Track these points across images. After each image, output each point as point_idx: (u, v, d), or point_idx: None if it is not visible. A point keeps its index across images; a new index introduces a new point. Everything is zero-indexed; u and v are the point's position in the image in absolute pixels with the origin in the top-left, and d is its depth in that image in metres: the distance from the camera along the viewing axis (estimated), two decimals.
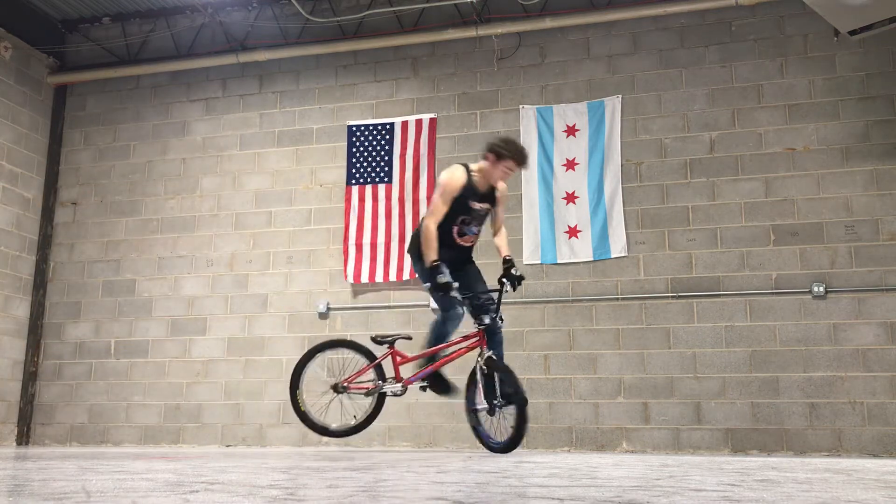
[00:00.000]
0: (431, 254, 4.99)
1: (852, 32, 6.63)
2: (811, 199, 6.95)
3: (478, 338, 5.19)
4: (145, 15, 8.96)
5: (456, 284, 5.01)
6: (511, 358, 7.26)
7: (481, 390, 5.07)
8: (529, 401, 7.14)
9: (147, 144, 8.83)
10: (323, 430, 5.69)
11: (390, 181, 7.91)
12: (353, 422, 5.67)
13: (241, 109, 8.60)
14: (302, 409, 5.61)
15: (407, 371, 5.58)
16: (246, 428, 7.83)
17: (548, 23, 7.75)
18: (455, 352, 5.38)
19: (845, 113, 7.02)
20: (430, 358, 5.46)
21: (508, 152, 5.08)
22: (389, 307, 7.70)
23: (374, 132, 8.09)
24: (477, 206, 5.23)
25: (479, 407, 5.14)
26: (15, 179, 8.54)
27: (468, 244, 5.31)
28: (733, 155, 7.20)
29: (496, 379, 5.00)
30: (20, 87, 8.70)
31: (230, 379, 7.96)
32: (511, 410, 4.95)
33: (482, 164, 5.28)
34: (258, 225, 8.26)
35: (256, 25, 8.65)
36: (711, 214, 7.14)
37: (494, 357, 5.06)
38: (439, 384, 5.49)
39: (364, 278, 7.77)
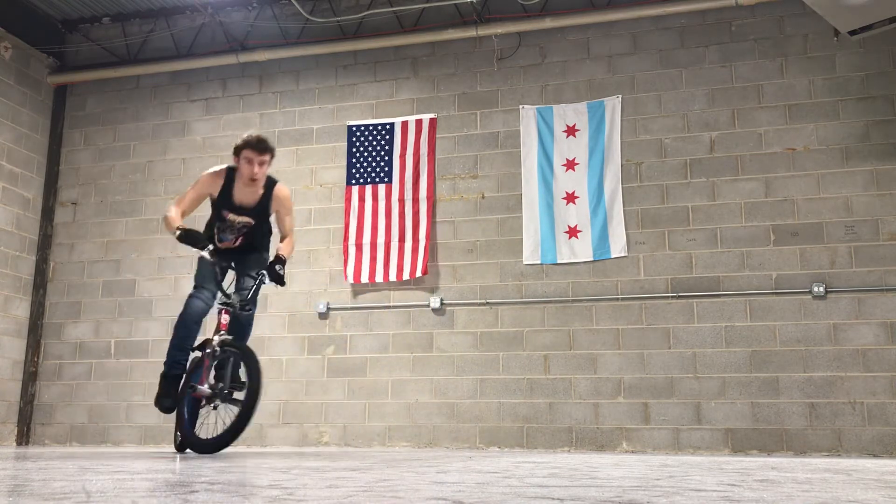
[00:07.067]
0: (173, 223, 4.80)
1: (852, 32, 6.63)
2: (811, 199, 6.95)
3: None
4: (145, 15, 8.96)
5: (210, 247, 4.82)
6: (511, 358, 7.28)
7: (207, 374, 4.81)
8: (526, 401, 7.20)
9: (147, 144, 8.83)
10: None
11: (390, 181, 7.91)
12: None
13: (241, 109, 8.60)
14: None
15: None
16: (246, 428, 7.82)
17: (548, 23, 7.75)
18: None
19: (845, 113, 7.02)
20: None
21: (241, 143, 4.84)
22: (389, 307, 7.70)
23: (374, 132, 8.09)
24: (231, 217, 5.00)
25: (203, 389, 4.79)
26: (15, 179, 8.54)
27: (231, 246, 5.12)
28: (733, 155, 7.20)
29: (230, 364, 4.82)
30: (20, 87, 8.70)
31: None
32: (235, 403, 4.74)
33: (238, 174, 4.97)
34: None
35: (256, 25, 8.65)
36: (711, 214, 7.14)
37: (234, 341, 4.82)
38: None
39: (364, 278, 7.77)
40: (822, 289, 6.72)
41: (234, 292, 5.03)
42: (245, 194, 4.99)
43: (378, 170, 7.97)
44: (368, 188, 7.95)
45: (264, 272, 4.94)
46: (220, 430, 5.05)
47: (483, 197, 7.72)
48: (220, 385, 4.78)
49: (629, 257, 7.22)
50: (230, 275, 5.23)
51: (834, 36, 7.07)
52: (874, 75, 7.01)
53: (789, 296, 6.81)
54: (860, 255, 6.75)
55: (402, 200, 7.84)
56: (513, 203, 7.61)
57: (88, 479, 2.13)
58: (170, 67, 8.80)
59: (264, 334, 7.98)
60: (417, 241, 7.69)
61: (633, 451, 6.74)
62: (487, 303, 7.44)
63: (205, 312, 4.96)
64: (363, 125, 8.13)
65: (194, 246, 4.80)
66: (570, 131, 7.60)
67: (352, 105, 8.29)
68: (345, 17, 8.27)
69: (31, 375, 8.49)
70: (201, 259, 4.90)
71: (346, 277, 7.83)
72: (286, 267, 4.99)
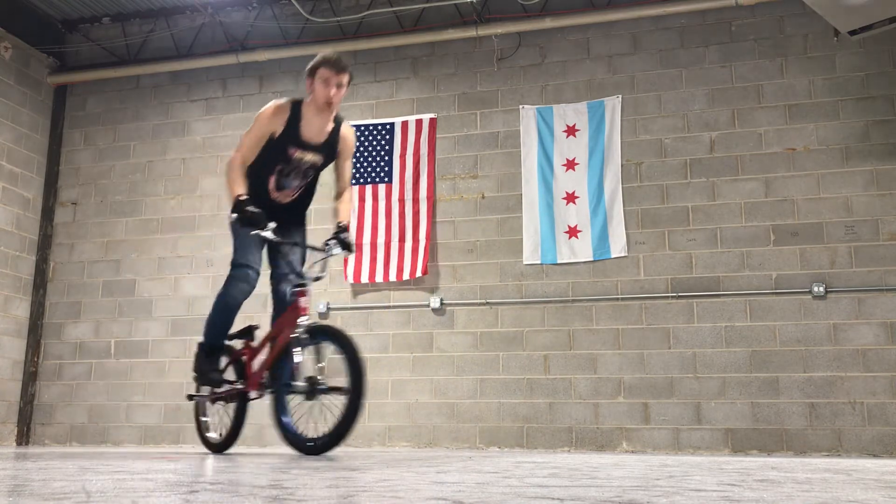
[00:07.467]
0: (237, 188, 4.23)
1: (852, 32, 6.63)
2: (811, 199, 6.95)
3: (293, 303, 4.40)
4: (145, 15, 8.96)
5: (272, 225, 4.25)
6: (511, 358, 7.28)
7: (296, 365, 4.25)
8: (526, 401, 7.20)
9: (147, 144, 8.83)
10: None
11: (390, 181, 7.91)
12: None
13: (241, 109, 8.60)
14: None
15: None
16: (246, 428, 7.80)
17: (548, 23, 7.75)
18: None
19: (845, 113, 7.02)
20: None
21: (318, 61, 4.32)
22: (389, 307, 7.70)
23: (374, 132, 8.09)
24: (298, 154, 4.42)
25: (296, 384, 4.24)
26: (15, 179, 8.54)
27: (286, 200, 4.56)
28: (733, 155, 7.20)
29: (321, 352, 4.25)
30: (20, 87, 8.70)
31: None
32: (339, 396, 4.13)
33: (308, 99, 4.42)
34: None
35: (256, 25, 8.65)
36: (711, 214, 7.14)
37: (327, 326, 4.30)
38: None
39: (364, 278, 7.77)
40: (822, 289, 6.72)
41: (298, 270, 4.53)
42: (314, 127, 4.43)
43: (378, 170, 7.97)
44: (368, 188, 7.95)
45: (333, 241, 4.45)
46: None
47: (483, 197, 7.72)
48: (317, 377, 4.19)
49: (629, 257, 7.22)
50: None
51: (834, 36, 7.07)
52: (874, 75, 7.01)
53: (789, 296, 6.81)
54: (860, 255, 6.75)
55: (402, 200, 7.84)
56: (513, 203, 7.61)
57: (88, 479, 2.13)
58: (170, 67, 8.80)
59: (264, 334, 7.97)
60: (417, 241, 7.69)
61: (633, 451, 6.74)
62: (487, 303, 7.44)
63: (248, 295, 4.48)
64: (363, 125, 8.13)
65: (255, 227, 4.23)
66: (570, 131, 7.60)
67: (352, 105, 8.28)
68: (345, 17, 8.27)
69: (31, 375, 8.49)
70: (242, 229, 4.31)
71: (346, 277, 7.83)
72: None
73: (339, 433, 4.04)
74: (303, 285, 4.41)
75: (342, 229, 4.50)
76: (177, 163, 8.69)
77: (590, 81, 7.69)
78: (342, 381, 4.10)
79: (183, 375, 8.11)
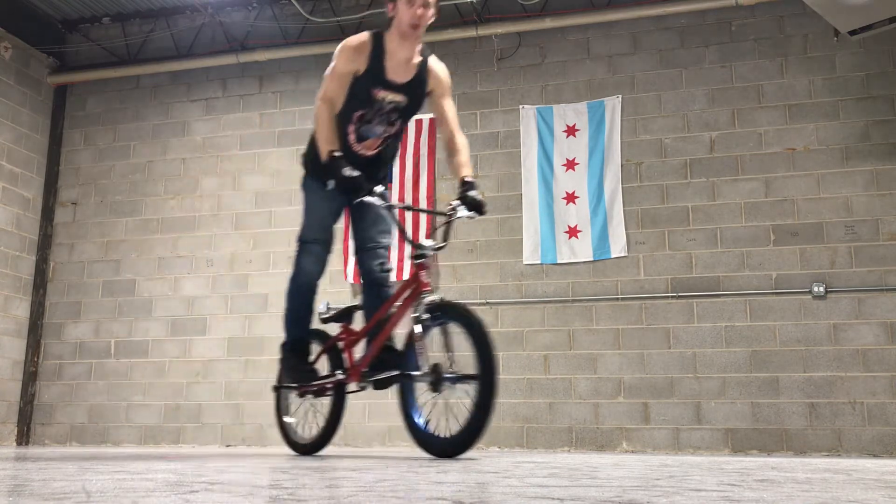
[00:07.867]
0: (329, 143, 3.67)
1: (852, 32, 6.63)
2: (811, 199, 6.95)
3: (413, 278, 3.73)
4: (145, 15, 8.96)
5: (379, 189, 3.74)
6: (511, 358, 7.28)
7: (420, 351, 3.65)
8: (526, 401, 7.20)
9: (147, 144, 8.83)
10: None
11: (390, 181, 7.88)
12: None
13: (241, 109, 8.60)
14: None
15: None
16: (246, 428, 7.83)
17: (548, 23, 7.75)
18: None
19: (845, 113, 7.02)
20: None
21: None
22: None
23: None
24: (381, 94, 3.84)
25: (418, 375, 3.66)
26: (15, 179, 8.54)
27: (370, 153, 3.96)
28: (733, 155, 7.20)
29: (447, 333, 3.58)
30: (20, 87, 8.70)
31: (230, 379, 7.96)
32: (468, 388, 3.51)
33: (390, 29, 3.87)
34: (258, 225, 8.26)
35: (256, 25, 8.65)
36: (711, 214, 7.14)
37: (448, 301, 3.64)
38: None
39: None
40: (822, 289, 6.72)
41: (389, 241, 4.00)
42: (400, 61, 3.88)
43: None
44: None
45: (457, 203, 3.81)
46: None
47: (483, 197, 7.71)
48: (443, 365, 3.58)
49: (629, 257, 7.22)
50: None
51: (834, 36, 7.07)
52: (874, 75, 7.01)
53: (789, 296, 6.81)
54: (860, 255, 6.75)
55: (401, 200, 7.83)
56: (513, 203, 7.61)
57: (88, 479, 2.13)
58: (170, 67, 8.80)
59: (264, 334, 7.98)
60: (417, 241, 7.67)
61: (633, 451, 6.74)
62: (487, 303, 7.44)
63: (321, 275, 4.07)
64: None
65: (356, 193, 3.65)
66: (570, 131, 7.60)
67: None
68: (345, 17, 8.27)
69: (31, 375, 8.49)
70: (315, 194, 3.86)
71: (346, 277, 7.83)
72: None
73: (475, 429, 3.43)
74: (422, 256, 3.78)
75: (468, 186, 3.84)
76: (177, 163, 8.69)
77: (590, 81, 7.69)
78: (469, 367, 3.52)
79: (183, 375, 8.12)
